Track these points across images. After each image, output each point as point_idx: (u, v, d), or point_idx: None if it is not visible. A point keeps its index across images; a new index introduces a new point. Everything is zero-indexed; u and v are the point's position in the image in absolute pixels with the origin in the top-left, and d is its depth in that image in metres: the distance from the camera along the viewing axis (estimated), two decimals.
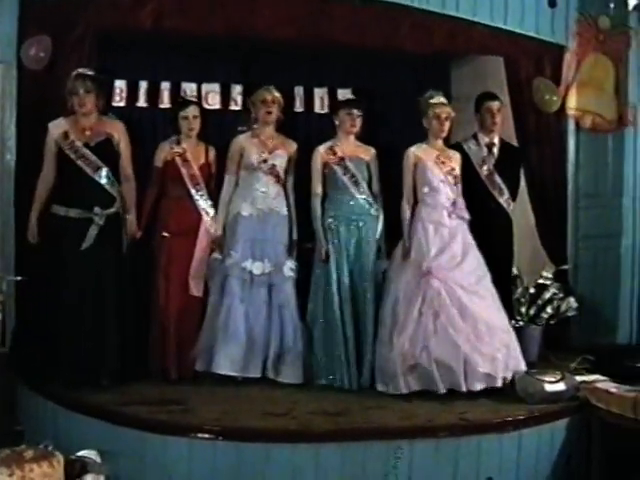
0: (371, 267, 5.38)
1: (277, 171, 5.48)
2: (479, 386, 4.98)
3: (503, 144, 5.83)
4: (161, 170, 5.48)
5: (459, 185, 5.42)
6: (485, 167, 5.68)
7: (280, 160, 5.50)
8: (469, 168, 5.63)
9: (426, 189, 5.36)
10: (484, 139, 5.73)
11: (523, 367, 5.16)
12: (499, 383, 5.00)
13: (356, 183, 5.44)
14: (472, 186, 5.57)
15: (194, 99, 5.94)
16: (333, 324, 5.28)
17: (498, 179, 5.66)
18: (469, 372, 4.95)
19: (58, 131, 5.10)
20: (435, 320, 5.02)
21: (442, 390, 4.93)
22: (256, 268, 5.32)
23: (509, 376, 5.06)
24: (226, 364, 5.20)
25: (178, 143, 5.49)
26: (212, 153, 5.56)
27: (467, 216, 5.39)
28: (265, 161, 5.44)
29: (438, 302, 5.05)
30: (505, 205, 5.71)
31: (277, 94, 5.56)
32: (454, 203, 5.36)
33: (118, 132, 5.23)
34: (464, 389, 4.94)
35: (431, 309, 5.05)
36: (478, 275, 5.23)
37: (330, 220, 5.43)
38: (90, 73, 5.13)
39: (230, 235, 5.41)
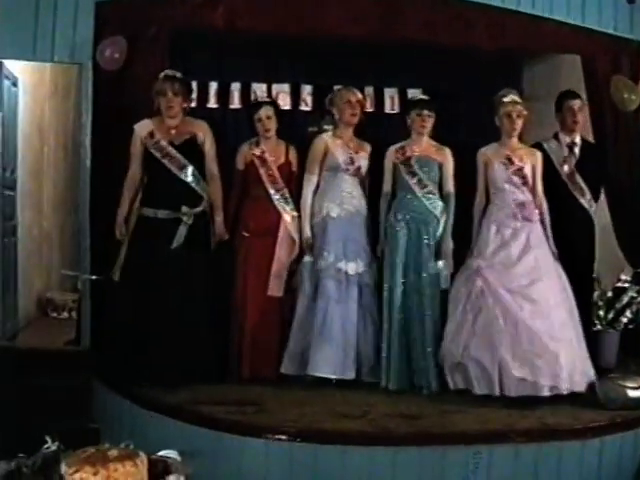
0: (429, 268, 5.26)
1: (362, 173, 5.45)
2: (514, 391, 4.83)
3: (585, 144, 5.70)
4: (242, 172, 5.47)
5: (529, 185, 5.30)
6: (566, 167, 5.55)
7: (364, 162, 5.46)
8: (550, 168, 5.50)
9: (492, 189, 5.32)
10: (565, 139, 5.59)
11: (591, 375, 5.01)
12: (544, 392, 4.83)
13: (419, 182, 5.34)
14: (553, 186, 5.46)
15: (267, 99, 5.87)
16: (382, 325, 5.23)
17: (579, 179, 5.54)
18: (504, 375, 4.84)
19: (144, 131, 5.15)
20: (476, 320, 4.97)
21: (477, 391, 4.87)
22: (350, 268, 5.26)
23: (563, 386, 4.86)
24: (324, 366, 5.14)
25: (257, 144, 5.46)
26: (293, 152, 5.50)
27: (535, 218, 5.27)
28: (352, 162, 5.39)
29: (480, 302, 4.99)
30: (587, 205, 5.58)
31: (360, 95, 5.52)
32: (522, 204, 5.25)
33: (203, 131, 5.24)
34: (497, 393, 4.84)
35: (474, 309, 5.00)
36: (532, 278, 5.08)
37: (392, 219, 5.34)
38: (178, 75, 5.17)
39: (321, 237, 5.34)
